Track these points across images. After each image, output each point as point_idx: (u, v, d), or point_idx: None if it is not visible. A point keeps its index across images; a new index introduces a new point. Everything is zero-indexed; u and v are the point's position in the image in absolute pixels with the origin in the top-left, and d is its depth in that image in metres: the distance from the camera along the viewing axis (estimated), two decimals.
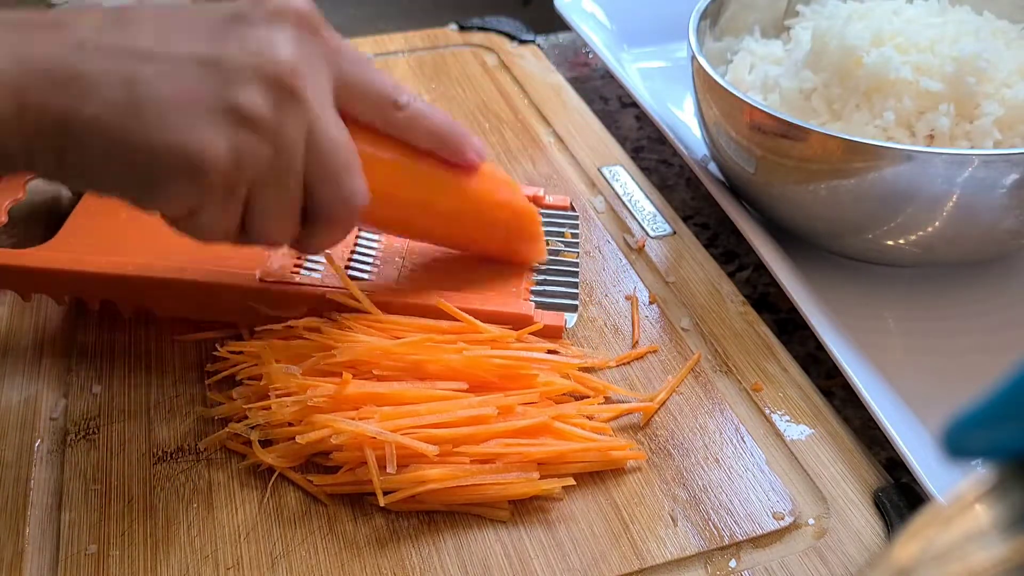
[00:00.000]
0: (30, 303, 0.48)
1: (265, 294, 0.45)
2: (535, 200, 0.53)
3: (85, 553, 0.37)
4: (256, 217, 0.36)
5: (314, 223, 0.38)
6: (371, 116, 0.40)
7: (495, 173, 0.46)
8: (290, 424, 0.40)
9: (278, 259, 0.46)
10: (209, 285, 0.45)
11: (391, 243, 0.49)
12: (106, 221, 0.48)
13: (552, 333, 0.45)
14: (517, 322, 0.45)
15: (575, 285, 0.48)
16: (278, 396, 0.40)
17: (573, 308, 0.47)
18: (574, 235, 0.52)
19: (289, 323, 0.43)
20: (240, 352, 0.43)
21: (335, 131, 0.36)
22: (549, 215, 0.52)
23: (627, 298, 0.49)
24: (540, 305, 0.46)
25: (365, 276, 0.47)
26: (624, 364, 0.45)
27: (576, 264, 0.50)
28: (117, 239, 0.47)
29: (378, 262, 0.48)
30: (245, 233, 0.36)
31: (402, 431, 0.38)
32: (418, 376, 0.41)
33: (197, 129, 0.32)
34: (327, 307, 0.44)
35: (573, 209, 0.53)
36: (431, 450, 0.37)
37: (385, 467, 0.37)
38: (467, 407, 0.39)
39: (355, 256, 0.48)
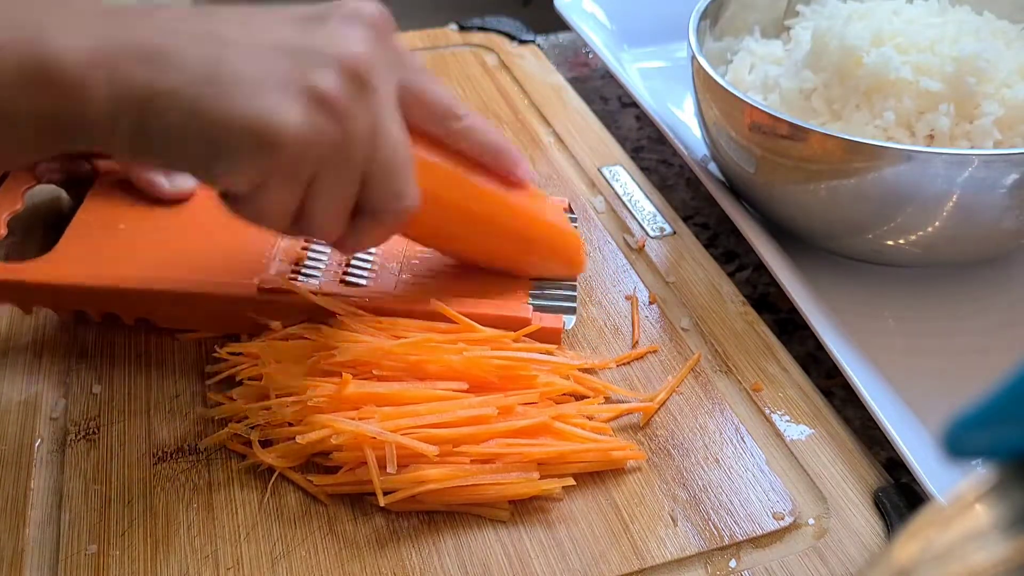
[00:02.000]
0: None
1: (264, 303, 0.44)
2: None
3: (85, 553, 0.37)
4: (315, 203, 0.36)
5: (362, 219, 0.39)
6: (430, 124, 0.41)
7: (542, 195, 0.48)
8: (290, 424, 0.40)
9: (275, 266, 0.46)
10: (208, 296, 0.45)
11: (389, 250, 0.48)
12: (104, 233, 0.48)
13: (550, 335, 0.45)
14: (515, 325, 0.44)
15: (573, 288, 0.48)
16: (278, 396, 0.40)
17: (571, 311, 0.47)
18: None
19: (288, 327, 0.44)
20: (239, 353, 0.43)
21: (397, 130, 0.38)
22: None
23: (627, 298, 0.49)
24: (538, 308, 0.46)
25: (363, 282, 0.47)
26: (624, 364, 0.45)
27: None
28: (116, 251, 0.47)
29: (375, 268, 0.48)
30: (299, 222, 0.37)
31: (402, 431, 0.38)
32: (418, 376, 0.41)
33: (274, 102, 0.33)
34: (325, 315, 0.44)
35: (571, 211, 0.53)
36: (431, 450, 0.37)
37: (385, 467, 0.37)
38: (467, 407, 0.39)
39: (352, 263, 0.48)
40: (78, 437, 0.42)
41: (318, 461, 0.40)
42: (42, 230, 0.52)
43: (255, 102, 0.33)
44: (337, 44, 0.35)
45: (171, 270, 0.46)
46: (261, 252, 0.47)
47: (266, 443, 0.40)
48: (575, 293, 0.48)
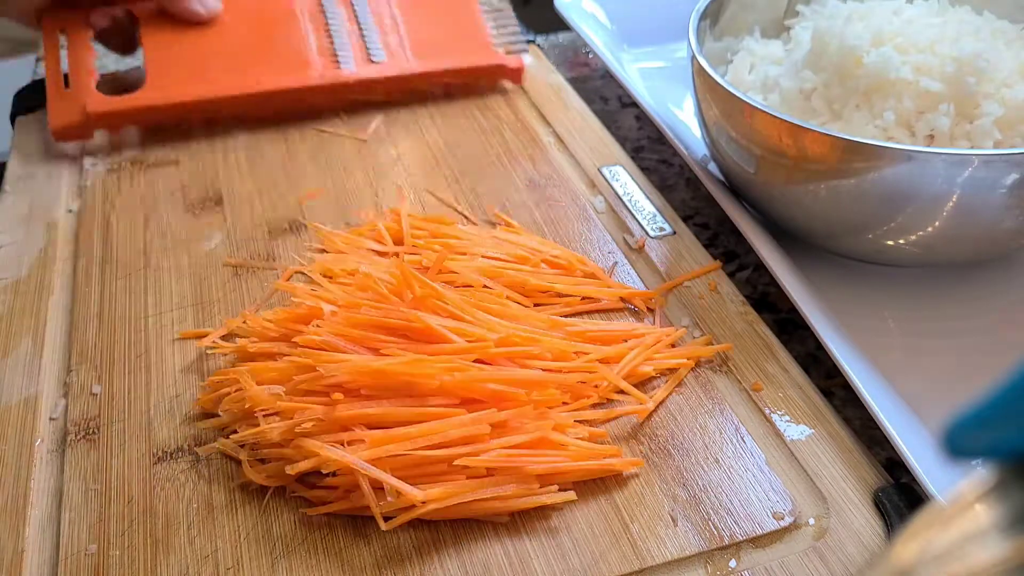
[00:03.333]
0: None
1: (322, 89, 0.64)
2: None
3: (85, 553, 0.37)
4: None
5: None
6: None
7: None
8: (279, 445, 0.39)
9: (318, 60, 0.64)
10: (284, 91, 0.63)
11: (381, 22, 0.67)
12: (176, 56, 0.64)
13: (517, 74, 0.67)
14: (496, 70, 0.66)
15: (518, 31, 0.69)
16: (264, 415, 0.39)
17: (525, 50, 0.68)
18: None
19: (272, 343, 0.44)
20: (223, 380, 0.43)
21: None
22: None
23: (625, 298, 0.49)
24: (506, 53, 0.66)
25: (383, 57, 0.65)
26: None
27: (511, 12, 0.69)
28: (196, 68, 0.63)
29: (383, 44, 0.66)
30: None
31: (393, 456, 0.37)
32: (408, 394, 0.39)
33: None
34: (371, 91, 0.65)
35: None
36: (419, 496, 0.36)
37: (382, 489, 0.37)
38: (459, 425, 0.38)
39: (368, 44, 0.66)
40: (78, 437, 0.42)
41: (312, 480, 0.39)
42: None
43: None
44: None
45: (243, 75, 0.63)
46: (299, 45, 0.65)
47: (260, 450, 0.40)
48: (522, 35, 0.68)
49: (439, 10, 0.69)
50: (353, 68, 0.64)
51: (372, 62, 0.65)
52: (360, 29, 0.67)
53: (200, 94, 0.61)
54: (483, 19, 0.69)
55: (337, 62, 0.64)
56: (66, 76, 0.63)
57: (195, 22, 0.64)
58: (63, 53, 0.64)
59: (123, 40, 0.67)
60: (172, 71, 0.63)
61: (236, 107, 0.63)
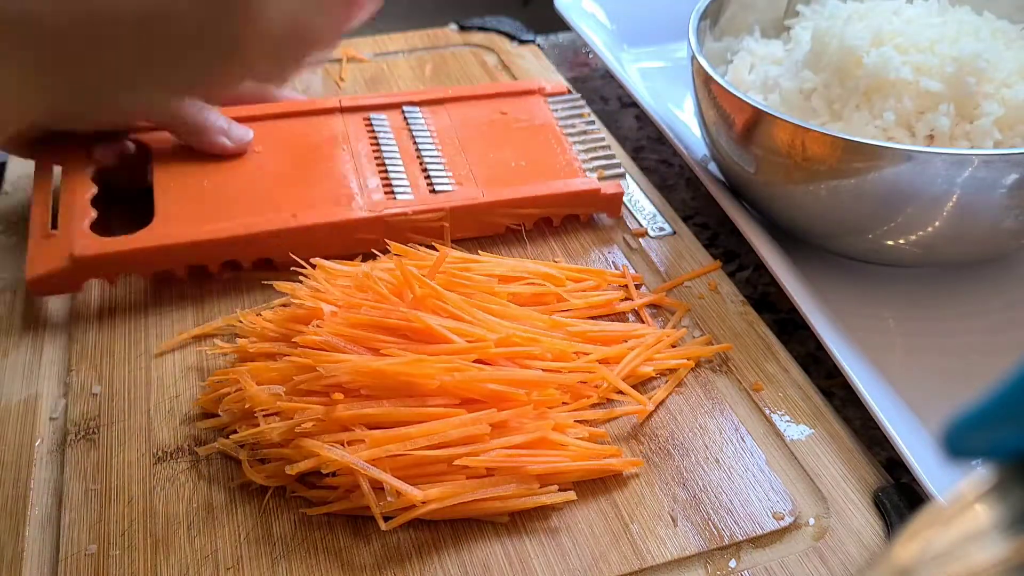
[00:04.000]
0: (35, 299, 0.48)
1: (374, 223, 0.50)
2: (540, 91, 0.61)
3: (85, 553, 0.37)
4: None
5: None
6: None
7: None
8: (279, 445, 0.39)
9: (369, 192, 0.52)
10: (323, 226, 0.50)
11: (446, 149, 0.56)
12: (193, 194, 0.51)
13: (614, 201, 0.54)
14: (587, 197, 0.53)
15: (613, 155, 0.56)
16: (264, 415, 0.39)
17: (622, 175, 0.55)
18: (588, 113, 0.59)
19: (271, 345, 0.43)
20: (223, 380, 0.42)
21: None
22: (558, 100, 0.60)
23: (626, 297, 0.49)
24: (600, 178, 0.54)
25: (449, 188, 0.53)
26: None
27: (603, 138, 0.58)
28: (215, 205, 0.51)
29: (452, 175, 0.54)
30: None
31: (393, 456, 0.37)
32: (408, 394, 0.39)
33: None
34: (430, 232, 0.51)
35: (572, 91, 0.61)
36: (419, 496, 0.36)
37: (382, 489, 0.37)
38: (459, 426, 0.38)
39: (430, 173, 0.53)
40: (78, 437, 0.42)
41: (312, 480, 0.39)
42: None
43: None
44: None
45: (276, 211, 0.50)
46: (345, 183, 0.53)
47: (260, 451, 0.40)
48: (618, 161, 0.56)
49: (517, 135, 0.57)
50: (412, 198, 0.52)
51: (435, 192, 0.53)
52: (420, 158, 0.55)
53: (216, 233, 0.49)
54: (567, 142, 0.57)
55: (393, 194, 0.52)
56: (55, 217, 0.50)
57: (219, 154, 0.53)
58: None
59: (132, 177, 0.54)
60: (185, 207, 0.50)
61: (264, 248, 0.50)
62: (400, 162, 0.54)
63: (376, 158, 0.54)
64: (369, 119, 0.57)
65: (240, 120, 0.55)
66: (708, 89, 0.51)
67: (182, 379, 0.45)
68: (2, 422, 0.43)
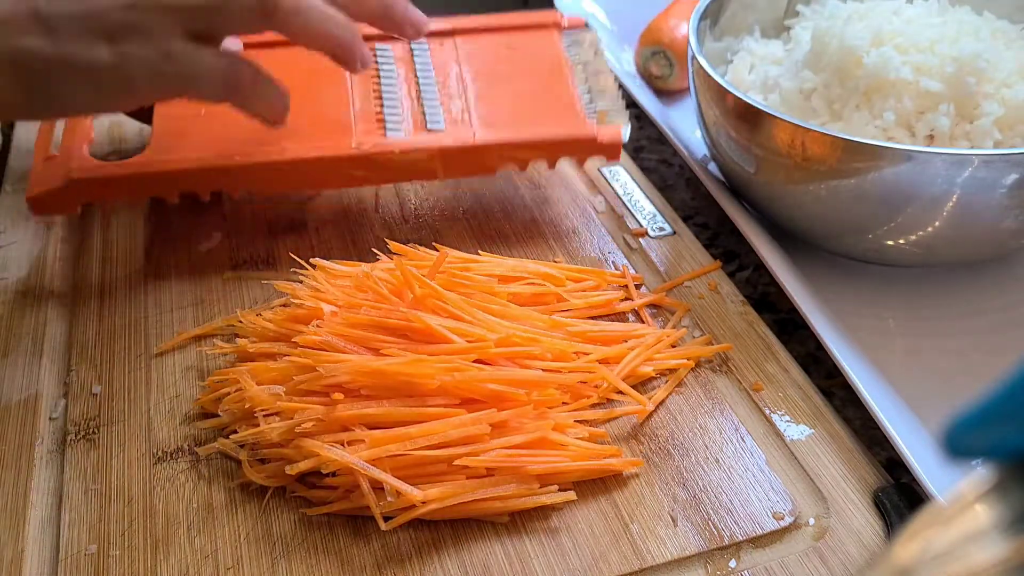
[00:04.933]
0: (34, 296, 0.48)
1: (362, 160, 0.50)
2: (555, 24, 0.58)
3: (85, 553, 0.37)
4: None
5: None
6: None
7: None
8: (279, 445, 0.39)
9: (362, 127, 0.51)
10: (311, 161, 0.50)
11: (447, 84, 0.54)
12: (189, 122, 0.52)
13: (612, 149, 0.51)
14: (584, 144, 0.51)
15: (619, 98, 0.54)
16: (265, 415, 0.39)
17: (625, 120, 0.52)
18: (602, 51, 0.57)
19: (271, 345, 0.43)
20: (223, 380, 0.43)
21: None
22: (572, 35, 0.58)
23: (625, 297, 0.49)
24: (598, 123, 0.52)
25: (441, 127, 0.52)
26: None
27: (614, 77, 0.55)
28: (209, 134, 0.51)
29: (447, 111, 0.53)
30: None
31: (393, 456, 0.37)
32: (407, 394, 0.39)
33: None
34: (419, 172, 0.51)
35: (588, 27, 0.58)
36: (418, 496, 0.36)
37: (382, 489, 0.37)
38: (459, 426, 0.38)
39: (426, 109, 0.52)
40: (78, 437, 0.42)
41: (312, 480, 0.39)
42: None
43: None
44: None
45: (268, 143, 0.50)
46: (339, 114, 0.52)
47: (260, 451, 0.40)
48: (623, 103, 0.53)
49: (522, 73, 0.56)
50: (403, 136, 0.51)
51: (428, 130, 0.52)
52: (419, 93, 0.54)
53: (207, 162, 0.50)
54: (573, 82, 0.55)
55: (384, 130, 0.52)
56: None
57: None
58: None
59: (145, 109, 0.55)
60: (181, 137, 0.51)
61: (254, 180, 0.51)
62: (396, 97, 0.54)
63: (375, 91, 0.54)
64: (375, 49, 0.56)
65: (247, 47, 0.53)
66: (708, 89, 0.51)
67: (182, 379, 0.45)
68: (2, 422, 0.43)
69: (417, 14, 0.48)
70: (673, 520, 0.38)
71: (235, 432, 0.40)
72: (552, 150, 0.52)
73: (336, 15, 0.44)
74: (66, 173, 0.50)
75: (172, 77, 0.42)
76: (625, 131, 0.52)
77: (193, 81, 0.43)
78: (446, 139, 0.51)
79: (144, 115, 0.56)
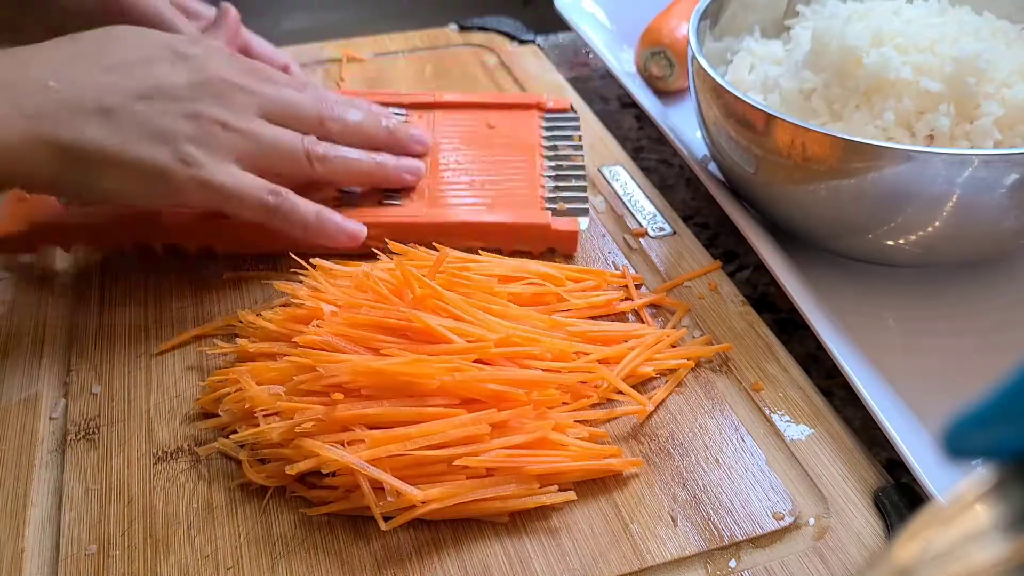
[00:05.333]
0: (32, 295, 0.48)
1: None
2: (538, 106, 0.59)
3: (85, 553, 0.37)
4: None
5: None
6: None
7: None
8: (279, 445, 0.39)
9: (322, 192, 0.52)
10: (260, 225, 0.48)
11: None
12: None
13: (568, 239, 0.51)
14: (537, 232, 0.51)
15: (584, 189, 0.54)
16: (265, 415, 0.39)
17: (584, 212, 0.52)
18: (579, 137, 0.57)
19: (271, 345, 0.43)
20: (223, 380, 0.43)
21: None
22: (553, 119, 0.58)
23: (626, 297, 0.49)
24: (555, 213, 0.52)
25: (397, 203, 0.52)
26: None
27: (583, 167, 0.55)
28: None
29: (409, 193, 0.53)
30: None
31: (393, 456, 0.37)
32: (407, 394, 0.39)
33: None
34: (405, 234, 0.49)
35: (573, 111, 0.59)
36: (418, 496, 0.36)
37: (382, 489, 0.37)
38: (459, 426, 0.38)
39: (386, 190, 0.53)
40: (78, 437, 0.42)
41: (312, 481, 0.39)
42: None
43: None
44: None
45: None
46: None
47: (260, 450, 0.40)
48: (586, 195, 0.54)
49: (493, 153, 0.56)
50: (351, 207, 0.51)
51: (383, 204, 0.52)
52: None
53: (162, 218, 0.50)
54: (540, 168, 0.55)
55: (339, 200, 0.52)
56: None
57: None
58: None
59: None
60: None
61: (206, 236, 0.51)
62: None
63: None
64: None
65: None
66: (708, 89, 0.51)
67: (182, 379, 0.45)
68: (2, 422, 0.43)
69: (420, 136, 0.54)
70: (673, 520, 0.38)
71: (235, 432, 0.40)
72: (503, 235, 0.51)
73: (352, 153, 0.50)
74: (31, 218, 0.50)
75: (218, 189, 0.45)
76: (583, 222, 0.52)
77: (235, 202, 0.46)
78: (396, 214, 0.51)
79: None
